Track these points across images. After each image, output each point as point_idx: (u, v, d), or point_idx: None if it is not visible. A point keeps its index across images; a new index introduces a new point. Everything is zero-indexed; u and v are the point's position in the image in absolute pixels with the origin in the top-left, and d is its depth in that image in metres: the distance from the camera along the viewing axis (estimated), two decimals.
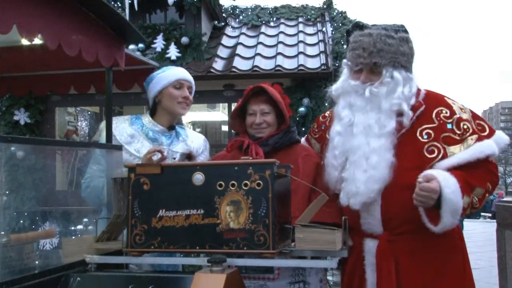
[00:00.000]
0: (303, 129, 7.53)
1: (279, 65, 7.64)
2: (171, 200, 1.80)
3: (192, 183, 1.79)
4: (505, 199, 4.21)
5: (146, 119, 2.77)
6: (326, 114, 2.57)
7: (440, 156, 2.09)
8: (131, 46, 7.02)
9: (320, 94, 7.71)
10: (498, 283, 3.92)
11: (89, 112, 9.52)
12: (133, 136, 2.66)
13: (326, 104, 7.70)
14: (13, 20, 1.77)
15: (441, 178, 1.98)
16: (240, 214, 1.73)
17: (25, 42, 2.90)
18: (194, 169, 1.81)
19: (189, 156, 2.67)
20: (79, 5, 2.18)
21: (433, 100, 2.21)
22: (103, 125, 2.71)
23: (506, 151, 43.48)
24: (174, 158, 2.59)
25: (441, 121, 2.14)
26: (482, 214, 21.98)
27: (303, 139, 2.70)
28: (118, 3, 8.62)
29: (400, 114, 2.16)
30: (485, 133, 2.16)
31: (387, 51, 2.14)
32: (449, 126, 2.13)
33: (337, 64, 7.72)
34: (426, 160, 2.09)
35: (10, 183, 1.91)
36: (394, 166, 2.10)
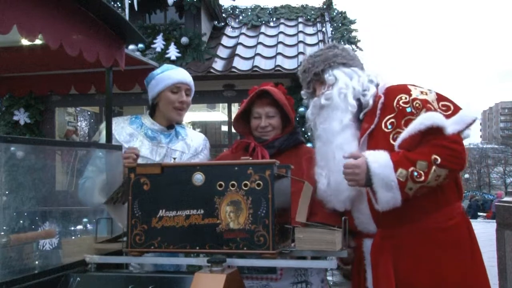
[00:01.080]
0: (303, 129, 7.52)
1: (279, 65, 7.63)
2: (171, 200, 1.80)
3: (192, 183, 1.79)
4: (505, 199, 4.21)
5: (146, 119, 2.76)
6: None
7: None
8: (131, 46, 7.02)
9: None
10: (498, 283, 3.92)
11: (89, 112, 9.51)
12: (132, 135, 2.66)
13: None
14: (13, 20, 1.77)
15: (369, 155, 2.05)
16: (240, 214, 1.73)
17: (25, 42, 2.90)
18: (194, 169, 1.81)
19: None
20: (79, 5, 2.18)
21: (393, 90, 2.25)
22: (103, 125, 2.71)
23: (505, 152, 43.42)
24: (174, 158, 2.58)
25: (401, 107, 2.16)
26: (481, 214, 21.99)
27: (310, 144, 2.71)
28: (118, 3, 8.62)
29: (365, 106, 2.24)
30: (449, 112, 2.15)
31: (319, 61, 2.36)
32: (408, 109, 2.14)
33: None
34: (392, 148, 2.11)
35: (10, 183, 1.92)
36: None
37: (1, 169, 1.71)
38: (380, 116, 2.20)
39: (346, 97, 2.23)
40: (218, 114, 11.05)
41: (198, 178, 1.79)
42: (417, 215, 2.11)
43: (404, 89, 2.23)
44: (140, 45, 7.78)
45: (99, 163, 2.48)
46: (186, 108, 2.75)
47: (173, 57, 7.93)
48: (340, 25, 8.96)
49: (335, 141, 2.21)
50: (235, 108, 9.13)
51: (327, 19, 9.39)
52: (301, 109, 7.49)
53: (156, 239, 1.80)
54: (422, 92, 2.20)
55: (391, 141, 2.13)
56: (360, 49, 8.48)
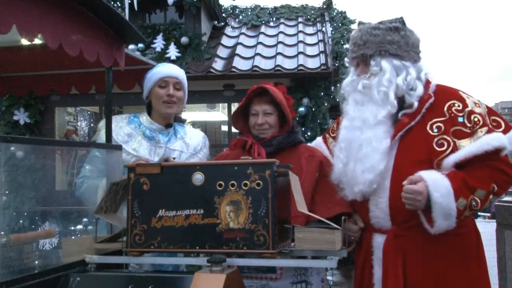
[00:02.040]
0: (303, 129, 7.53)
1: (278, 65, 7.63)
2: (171, 200, 1.80)
3: (192, 183, 1.79)
4: (505, 199, 4.21)
5: (144, 117, 2.76)
6: None
7: (449, 149, 2.07)
8: (131, 46, 7.02)
9: (320, 94, 7.70)
10: (498, 283, 3.92)
11: (88, 112, 9.51)
12: (130, 135, 2.65)
13: (326, 104, 7.71)
14: (13, 20, 1.76)
15: (429, 180, 1.98)
16: (240, 214, 1.73)
17: (25, 42, 2.90)
18: (194, 169, 1.81)
19: (166, 160, 2.66)
20: (79, 5, 2.18)
21: (445, 93, 2.18)
22: (102, 123, 2.71)
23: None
24: (174, 158, 2.58)
25: (453, 114, 2.11)
26: (481, 214, 21.97)
27: (319, 138, 2.70)
28: (118, 3, 8.62)
29: (407, 106, 2.17)
30: (500, 129, 2.10)
31: (373, 42, 2.21)
32: (460, 119, 2.09)
33: (336, 64, 7.71)
34: (435, 153, 2.08)
35: (10, 183, 1.91)
36: (399, 158, 2.12)
37: (1, 169, 1.71)
38: (425, 116, 2.14)
39: (386, 95, 2.15)
40: (218, 114, 11.04)
41: (198, 178, 1.79)
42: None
43: (456, 95, 2.17)
44: (140, 45, 7.78)
45: (98, 161, 2.47)
46: (177, 103, 2.71)
47: (173, 57, 7.93)
48: (340, 25, 8.96)
49: (366, 134, 2.16)
50: (235, 108, 9.12)
51: (327, 19, 9.39)
52: (301, 109, 7.49)
53: (156, 239, 1.80)
54: (475, 104, 2.14)
55: (435, 146, 2.08)
56: None
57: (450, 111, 2.12)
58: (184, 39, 8.09)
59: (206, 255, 1.73)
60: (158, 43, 8.11)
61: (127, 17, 7.91)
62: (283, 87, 2.59)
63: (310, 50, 8.22)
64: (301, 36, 8.78)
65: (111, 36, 2.45)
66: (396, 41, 2.20)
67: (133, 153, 2.58)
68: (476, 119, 2.08)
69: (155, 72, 2.73)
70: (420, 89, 2.17)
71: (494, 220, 4.49)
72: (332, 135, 2.57)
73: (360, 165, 2.14)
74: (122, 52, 2.59)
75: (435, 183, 1.98)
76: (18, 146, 1.84)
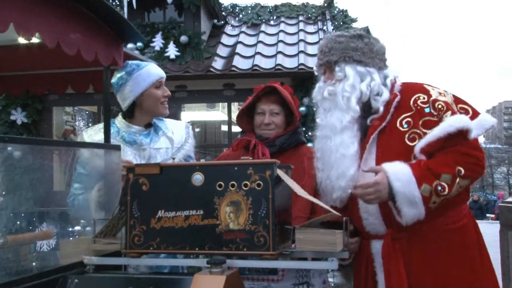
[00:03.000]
0: (304, 129, 7.53)
1: (279, 64, 7.64)
2: (170, 201, 1.80)
3: (191, 184, 1.79)
4: (508, 199, 4.21)
5: (120, 121, 2.70)
6: None
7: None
8: (130, 45, 7.02)
9: None
10: (501, 284, 3.92)
11: (87, 112, 9.52)
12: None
13: None
14: (10, 19, 1.77)
15: (390, 171, 2.01)
16: (240, 215, 1.73)
17: (22, 40, 2.90)
18: (193, 169, 1.81)
19: None
20: (77, 4, 2.18)
21: (409, 89, 2.22)
22: (79, 138, 2.66)
23: (509, 151, 43.37)
24: (173, 159, 2.58)
25: (419, 107, 2.13)
26: (487, 215, 21.96)
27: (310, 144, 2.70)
28: (116, 1, 8.63)
29: (374, 111, 2.20)
30: (468, 116, 2.12)
31: (337, 48, 2.26)
32: (427, 110, 2.12)
33: None
34: (409, 148, 2.09)
35: (7, 183, 1.92)
36: (379, 162, 2.12)
37: None
38: (393, 114, 2.16)
39: (348, 100, 2.19)
40: (218, 114, 11.06)
41: (198, 178, 1.79)
42: (427, 216, 2.08)
43: (421, 88, 2.20)
44: (139, 44, 7.78)
45: (85, 180, 2.45)
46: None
47: (172, 56, 7.94)
48: (341, 23, 8.97)
49: (334, 140, 2.20)
50: (235, 108, 9.13)
51: (328, 17, 9.39)
52: (302, 108, 7.50)
53: (155, 240, 1.80)
54: (440, 93, 2.17)
55: (407, 141, 2.10)
56: None
57: (416, 104, 2.14)
58: (183, 38, 8.09)
59: (206, 257, 1.72)
60: (157, 42, 8.13)
61: (125, 16, 7.92)
62: (289, 88, 2.60)
63: (311, 49, 8.23)
64: (301, 35, 8.79)
65: (109, 35, 2.45)
66: (360, 48, 2.25)
67: None
68: (440, 106, 2.11)
69: (146, 73, 2.65)
70: (385, 94, 2.20)
71: (498, 221, 4.49)
72: None
73: (334, 172, 2.17)
74: (121, 51, 2.59)
75: (395, 172, 2.01)
76: (16, 146, 1.84)
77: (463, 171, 2.02)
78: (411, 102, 2.16)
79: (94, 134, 2.67)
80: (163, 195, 1.81)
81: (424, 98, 2.15)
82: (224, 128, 10.63)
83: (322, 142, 2.25)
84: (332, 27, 8.98)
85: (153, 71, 2.69)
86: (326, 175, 2.21)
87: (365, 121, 2.22)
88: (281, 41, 8.59)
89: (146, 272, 2.18)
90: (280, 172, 1.79)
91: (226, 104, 8.72)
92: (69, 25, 2.12)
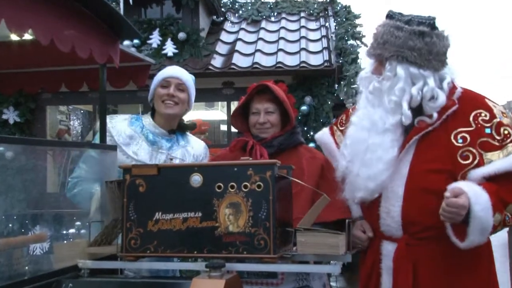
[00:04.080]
0: (305, 128, 7.53)
1: (280, 62, 7.63)
2: (168, 203, 1.80)
3: (189, 185, 1.79)
4: None
5: (147, 120, 2.75)
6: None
7: (475, 162, 2.03)
8: (126, 42, 7.02)
9: (323, 92, 7.70)
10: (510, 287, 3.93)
11: (82, 111, 9.51)
12: (132, 138, 2.64)
13: (329, 103, 7.71)
14: (1, 14, 1.76)
15: (471, 193, 1.92)
16: (239, 217, 1.73)
17: (14, 37, 2.90)
18: (191, 170, 1.81)
19: None
20: None
21: (470, 100, 2.13)
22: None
23: None
24: (171, 159, 2.58)
25: (479, 125, 2.06)
26: None
27: (326, 129, 2.65)
28: None
29: (426, 115, 2.12)
30: None
31: (392, 44, 2.11)
32: (487, 130, 2.05)
33: (340, 61, 7.72)
34: (459, 166, 2.04)
35: None
36: (415, 165, 2.09)
37: None
38: (448, 123, 2.09)
39: (397, 105, 2.09)
40: (217, 113, 11.05)
41: (196, 179, 1.79)
42: (443, 224, 2.04)
43: (483, 104, 2.12)
44: (136, 41, 7.78)
45: (94, 164, 2.46)
46: (179, 104, 2.71)
47: (169, 54, 7.93)
48: (344, 19, 8.95)
49: (373, 138, 2.12)
50: (235, 107, 9.12)
51: (330, 13, 9.38)
52: (304, 107, 7.50)
53: (152, 243, 1.80)
54: (503, 114, 2.10)
55: (459, 159, 2.03)
56: (365, 45, 8.48)
57: (476, 121, 2.07)
58: (181, 35, 8.09)
59: (205, 260, 1.73)
60: (154, 39, 8.12)
61: (121, 12, 7.92)
62: (284, 85, 2.59)
63: (313, 46, 8.23)
64: (303, 32, 8.79)
65: (105, 32, 2.45)
66: (417, 48, 2.10)
67: (133, 156, 2.57)
68: (506, 132, 2.04)
69: (159, 73, 2.76)
70: (441, 98, 2.09)
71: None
72: (341, 128, 2.50)
73: (364, 170, 2.12)
74: (117, 48, 2.59)
75: (476, 195, 1.92)
76: (8, 146, 1.84)
77: None
78: (471, 117, 2.08)
79: (119, 121, 2.72)
80: (160, 197, 1.81)
81: (486, 116, 2.08)
82: (224, 127, 10.62)
83: (359, 132, 2.17)
84: (334, 24, 8.97)
85: (164, 71, 2.76)
86: (354, 170, 2.15)
87: (412, 124, 2.13)
88: (282, 38, 8.58)
89: (143, 276, 2.18)
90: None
91: (225, 103, 8.71)
92: (63, 21, 2.12)
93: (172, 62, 7.91)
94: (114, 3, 8.24)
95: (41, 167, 2.28)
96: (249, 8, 9.80)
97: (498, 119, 2.07)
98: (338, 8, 9.55)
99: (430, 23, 2.14)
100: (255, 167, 1.75)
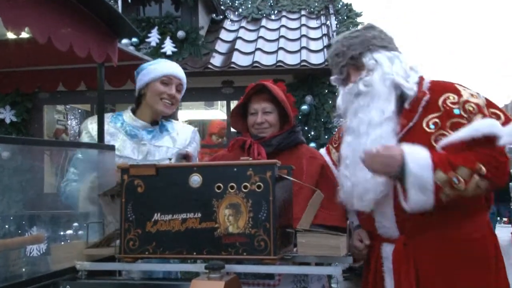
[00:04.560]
0: (306, 128, 7.53)
1: (280, 61, 7.64)
2: (167, 203, 1.80)
3: (188, 185, 1.79)
4: None
5: (127, 114, 2.75)
6: None
7: None
8: (124, 41, 7.02)
9: (324, 92, 7.71)
10: None
11: (79, 110, 9.52)
12: (112, 135, 2.65)
13: (330, 102, 7.71)
14: None
15: (407, 150, 1.98)
16: (239, 218, 1.73)
17: (11, 36, 2.90)
18: (191, 170, 1.81)
19: (186, 156, 2.66)
20: None
21: (439, 88, 2.17)
22: (82, 126, 2.71)
23: None
24: (170, 159, 2.58)
25: (448, 108, 2.09)
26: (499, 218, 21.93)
27: (322, 150, 2.70)
28: None
29: (406, 98, 2.15)
30: (499, 121, 2.07)
31: (356, 43, 2.24)
32: (456, 111, 2.08)
33: None
34: (434, 150, 2.05)
35: None
36: None
37: None
38: (421, 114, 2.13)
39: (393, 82, 2.14)
40: (217, 112, 11.06)
41: (195, 179, 1.79)
42: (443, 222, 2.07)
43: (451, 88, 2.16)
44: (134, 40, 7.79)
45: (82, 165, 2.47)
46: (175, 104, 2.73)
47: (168, 52, 7.94)
48: (345, 18, 8.97)
49: (373, 134, 2.13)
50: (234, 107, 9.11)
51: (331, 11, 9.39)
52: (304, 107, 7.50)
53: (150, 244, 1.80)
54: (472, 95, 2.13)
55: (433, 143, 2.06)
56: None
57: (445, 105, 2.11)
58: (180, 33, 8.09)
59: (204, 261, 1.73)
60: (153, 38, 8.12)
61: (120, 10, 7.93)
62: (282, 85, 2.60)
63: (314, 45, 8.23)
64: (304, 30, 8.79)
65: (103, 30, 2.45)
66: (377, 36, 2.25)
67: (116, 153, 2.57)
68: (470, 108, 2.07)
69: (159, 66, 2.72)
70: (414, 77, 2.18)
71: (510, 225, 4.50)
72: (335, 145, 2.56)
73: (365, 172, 2.09)
74: (115, 47, 2.59)
75: (413, 152, 1.97)
76: (4, 146, 1.84)
77: (484, 170, 1.96)
78: (440, 102, 2.11)
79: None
80: (159, 197, 1.81)
81: (454, 98, 2.11)
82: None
83: (355, 143, 2.18)
84: (336, 22, 8.98)
85: (166, 66, 2.74)
86: (359, 179, 2.14)
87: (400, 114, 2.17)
88: (283, 36, 8.58)
89: (144, 278, 2.18)
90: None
91: (225, 102, 8.72)
92: (61, 19, 2.12)
93: (171, 61, 7.91)
94: (112, 1, 8.25)
95: (38, 167, 2.28)
96: (249, 6, 9.80)
97: (464, 98, 2.10)
98: (339, 6, 9.55)
99: (370, 24, 2.35)
100: (255, 168, 1.75)
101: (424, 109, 2.13)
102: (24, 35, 2.61)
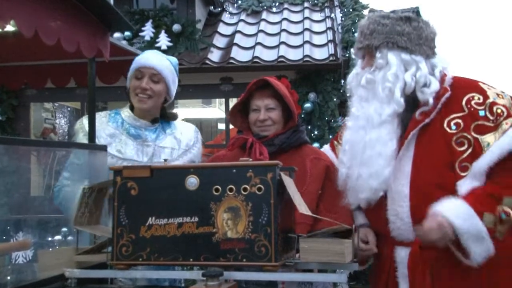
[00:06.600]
0: (309, 127, 7.54)
1: (282, 56, 7.64)
2: (162, 207, 1.80)
3: (185, 188, 1.79)
4: None
5: (126, 113, 2.74)
6: None
7: (470, 149, 2.06)
8: (116, 34, 7.03)
9: (328, 89, 7.71)
10: None
11: (68, 108, 9.51)
12: (113, 136, 2.63)
13: (335, 99, 7.71)
14: None
15: (442, 209, 1.97)
16: (238, 222, 1.73)
17: None
18: (187, 171, 1.81)
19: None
20: None
21: (462, 85, 2.18)
22: (79, 125, 2.69)
23: None
24: (165, 160, 2.58)
25: (472, 109, 2.10)
26: None
27: (326, 146, 2.71)
28: None
29: (423, 104, 2.16)
30: None
31: (380, 32, 2.21)
32: (481, 113, 2.08)
33: (347, 55, 7.72)
34: (456, 154, 2.07)
35: None
36: (417, 161, 2.12)
37: None
38: (442, 112, 2.14)
39: (391, 92, 2.16)
40: (215, 111, 11.07)
41: (192, 181, 1.79)
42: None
43: (476, 87, 2.16)
44: (127, 33, 7.79)
45: (76, 170, 2.47)
46: (153, 97, 2.66)
47: (163, 47, 7.93)
48: (351, 10, 8.96)
49: (369, 134, 2.17)
50: (233, 104, 9.12)
51: (336, 3, 9.39)
52: (307, 104, 7.51)
53: (145, 250, 1.80)
54: (498, 95, 2.13)
55: (454, 145, 2.07)
56: None
57: (469, 105, 2.11)
58: (176, 27, 8.09)
59: (201, 268, 1.73)
60: (147, 31, 8.12)
61: (112, 1, 7.92)
62: (286, 81, 2.60)
63: (317, 39, 8.24)
64: (307, 23, 8.79)
65: (93, 23, 2.45)
66: (406, 33, 2.20)
67: (118, 155, 2.56)
68: (499, 111, 2.07)
69: (135, 60, 2.72)
70: (435, 85, 2.16)
71: None
72: (340, 141, 2.56)
73: (365, 169, 2.15)
74: (107, 41, 2.59)
75: (450, 209, 1.97)
76: None
77: None
78: (464, 102, 2.12)
79: (99, 119, 2.70)
80: (154, 201, 1.81)
81: (479, 98, 2.11)
82: (221, 126, 10.63)
83: (355, 134, 2.22)
84: (341, 15, 8.98)
85: (137, 59, 2.72)
86: (355, 172, 2.19)
87: (408, 115, 2.18)
88: (284, 30, 8.59)
89: (139, 286, 2.18)
90: (285, 178, 1.79)
91: (223, 100, 8.72)
92: (48, 11, 2.12)
93: (148, 51, 7.91)
94: None
95: (25, 168, 2.28)
96: None
97: (491, 100, 2.10)
98: None
99: (415, 10, 2.26)
100: (255, 169, 1.75)
101: (444, 107, 2.14)
102: (10, 28, 2.61)
